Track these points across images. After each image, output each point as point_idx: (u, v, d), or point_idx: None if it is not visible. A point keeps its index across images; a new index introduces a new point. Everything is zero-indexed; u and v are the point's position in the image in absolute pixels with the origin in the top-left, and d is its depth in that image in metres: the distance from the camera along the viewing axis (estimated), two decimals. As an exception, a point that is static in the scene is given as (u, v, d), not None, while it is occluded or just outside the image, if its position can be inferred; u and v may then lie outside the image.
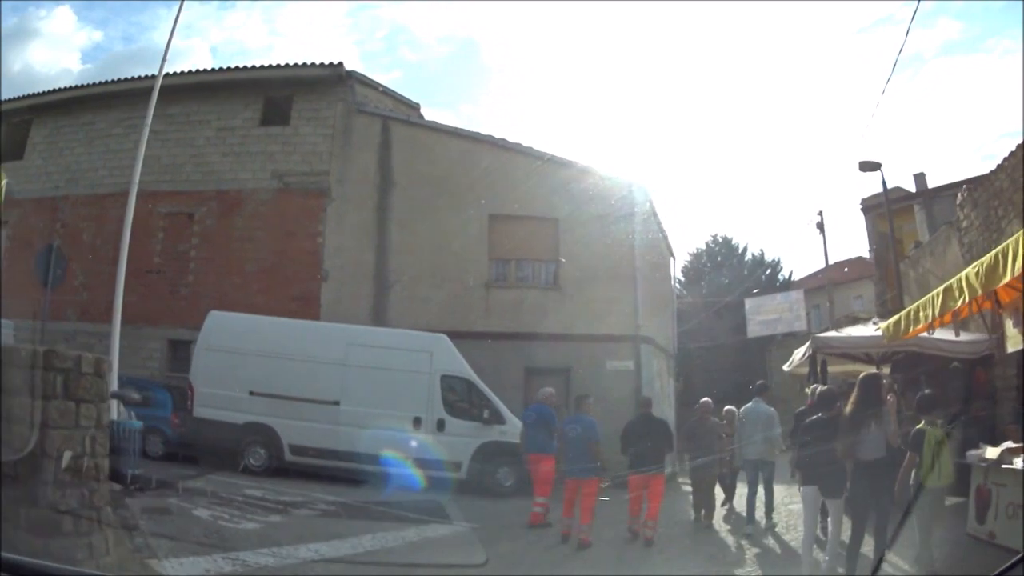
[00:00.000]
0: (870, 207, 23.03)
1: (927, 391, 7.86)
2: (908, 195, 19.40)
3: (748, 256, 38.92)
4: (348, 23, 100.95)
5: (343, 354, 13.48)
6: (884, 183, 16.04)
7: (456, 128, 18.15)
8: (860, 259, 34.66)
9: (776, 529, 9.93)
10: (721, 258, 38.91)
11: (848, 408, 6.78)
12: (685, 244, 48.07)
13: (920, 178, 21.82)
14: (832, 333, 12.25)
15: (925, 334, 9.67)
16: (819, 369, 11.12)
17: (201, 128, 18.02)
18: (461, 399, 13.86)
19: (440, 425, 13.39)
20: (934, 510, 6.83)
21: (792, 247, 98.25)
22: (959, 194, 13.27)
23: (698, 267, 39.43)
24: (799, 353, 12.57)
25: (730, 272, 37.05)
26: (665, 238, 21.83)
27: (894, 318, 8.82)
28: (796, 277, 38.32)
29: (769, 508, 10.04)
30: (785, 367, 14.34)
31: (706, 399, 11.09)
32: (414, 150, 17.70)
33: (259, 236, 17.23)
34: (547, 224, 17.50)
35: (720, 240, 39.91)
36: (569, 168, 17.56)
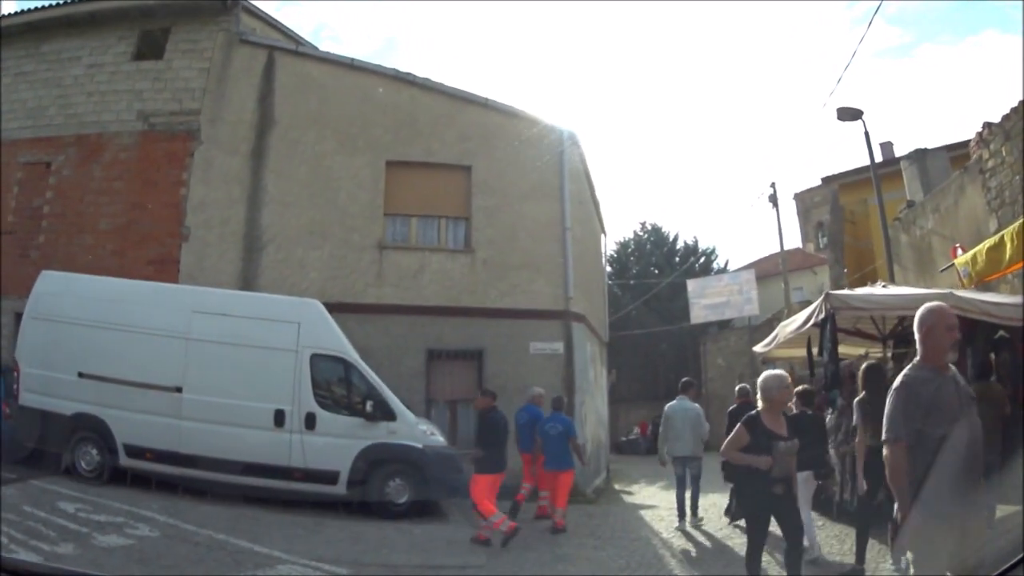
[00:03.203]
0: (828, 180, 20.77)
1: None
2: (886, 160, 16.95)
3: (680, 244, 36.72)
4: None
5: (186, 325, 10.61)
6: (867, 133, 13.77)
7: (353, 60, 15.06)
8: (797, 250, 33.39)
9: (702, 526, 10.14)
10: (651, 246, 36.54)
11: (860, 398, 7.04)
12: (611, 233, 45.48)
13: (887, 147, 19.89)
14: (848, 291, 9.42)
15: (966, 294, 8.02)
16: (833, 340, 8.09)
17: (70, 66, 15.42)
18: (338, 387, 10.89)
19: (309, 421, 10.36)
20: None
21: (727, 237, 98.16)
22: (977, 135, 10.95)
23: (624, 257, 36.98)
24: (794, 322, 9.79)
25: (661, 260, 34.90)
26: (597, 206, 19.01)
27: (985, 244, 5.91)
28: (733, 267, 36.27)
29: (695, 504, 10.34)
30: (759, 348, 11.83)
31: (744, 385, 10.84)
32: (301, 85, 14.72)
33: (117, 187, 14.64)
34: (458, 173, 14.49)
35: (649, 228, 37.64)
36: (486, 108, 14.80)
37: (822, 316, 8.13)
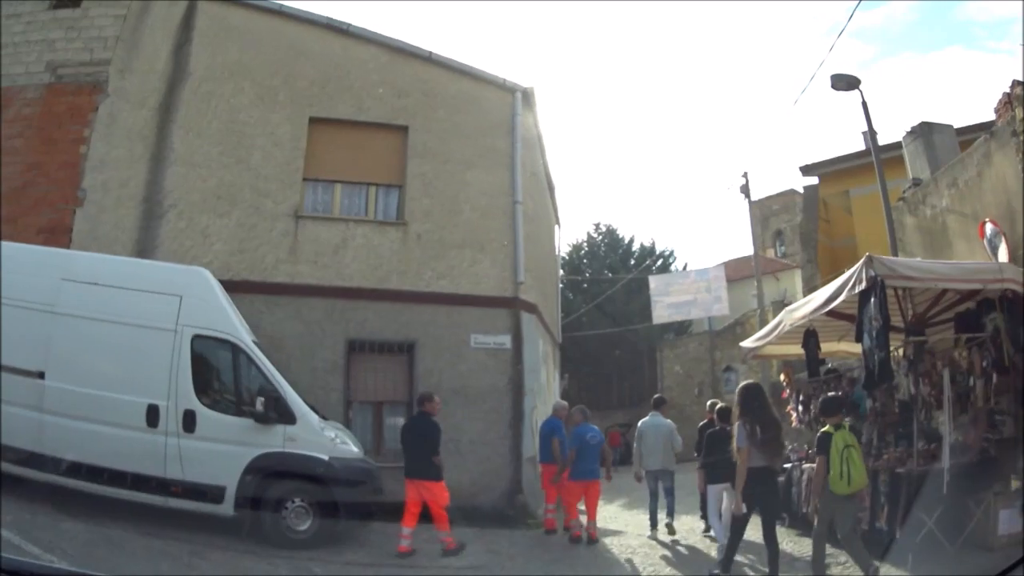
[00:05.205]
0: (808, 169, 19.29)
1: (829, 394, 7.91)
2: (869, 151, 15.37)
3: (636, 247, 35.19)
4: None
5: (53, 295, 8.74)
6: (865, 104, 12.45)
7: (280, 6, 13.24)
8: (759, 255, 32.09)
9: (675, 536, 10.39)
10: (605, 249, 34.92)
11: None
12: (563, 235, 43.89)
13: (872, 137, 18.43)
14: (891, 257, 7.78)
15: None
16: (884, 316, 6.16)
17: (-11, 18, 13.92)
18: (225, 378, 9.02)
19: (188, 421, 8.42)
20: (842, 517, 6.47)
21: (686, 241, 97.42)
22: (1004, 95, 9.82)
23: (577, 259, 35.31)
24: (809, 302, 8.04)
25: (615, 263, 33.43)
26: (551, 188, 17.16)
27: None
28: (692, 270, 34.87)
29: (671, 513, 10.61)
30: (748, 343, 10.47)
31: (716, 401, 10.92)
32: (221, 33, 12.98)
33: (16, 146, 13.03)
34: (391, 134, 12.66)
35: (604, 229, 36.01)
36: (428, 62, 13.06)
37: (863, 287, 6.16)
